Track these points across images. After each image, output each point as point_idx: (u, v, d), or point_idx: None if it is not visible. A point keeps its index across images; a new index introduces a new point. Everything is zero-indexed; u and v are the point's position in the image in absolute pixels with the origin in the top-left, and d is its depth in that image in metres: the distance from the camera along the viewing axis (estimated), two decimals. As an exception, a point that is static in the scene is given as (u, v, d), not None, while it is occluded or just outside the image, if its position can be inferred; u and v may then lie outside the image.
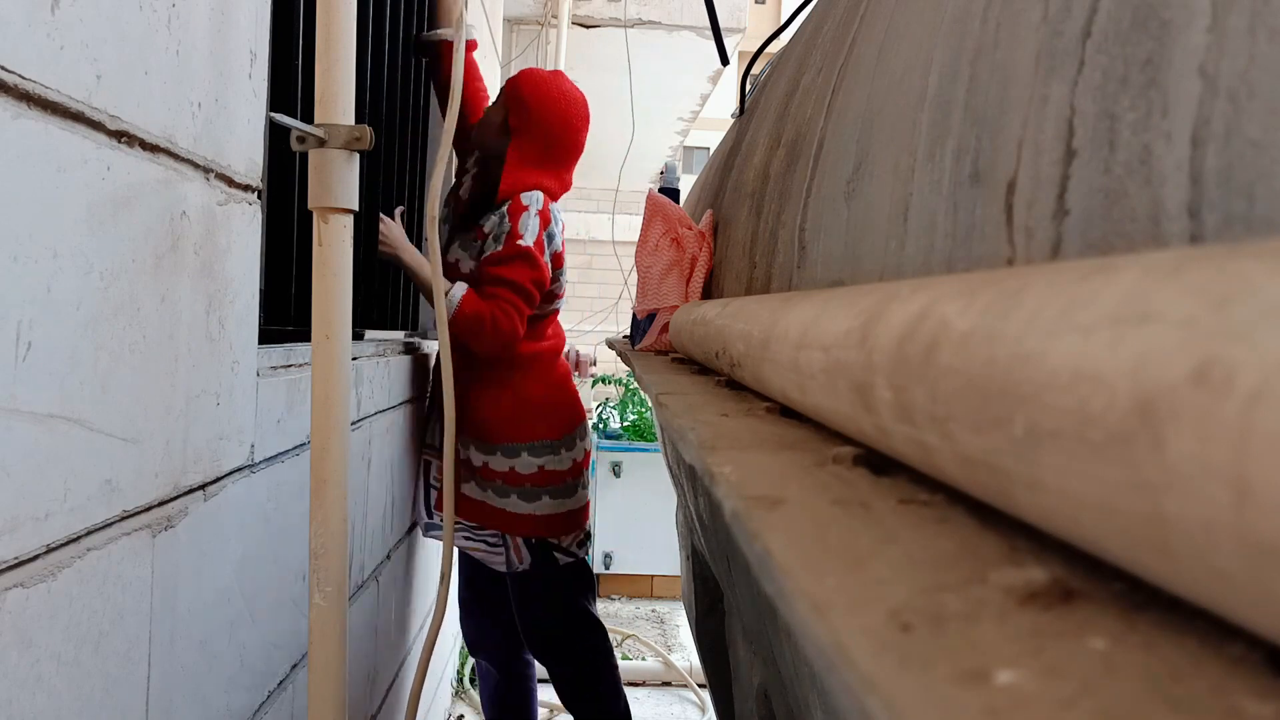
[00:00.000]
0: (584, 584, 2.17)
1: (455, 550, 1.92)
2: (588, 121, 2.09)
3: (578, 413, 2.19)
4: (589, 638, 2.16)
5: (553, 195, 2.04)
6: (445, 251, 2.08)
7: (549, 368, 2.14)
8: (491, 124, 2.04)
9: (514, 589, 2.11)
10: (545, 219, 1.97)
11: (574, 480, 2.10)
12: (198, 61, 0.86)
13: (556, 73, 2.10)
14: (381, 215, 1.87)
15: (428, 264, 1.78)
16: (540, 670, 2.35)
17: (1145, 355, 0.21)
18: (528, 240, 1.92)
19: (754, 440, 0.56)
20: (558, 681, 2.18)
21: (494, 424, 2.04)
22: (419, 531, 2.22)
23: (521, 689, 2.32)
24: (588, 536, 2.15)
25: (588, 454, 2.19)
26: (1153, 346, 0.21)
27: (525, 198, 1.96)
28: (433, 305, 1.80)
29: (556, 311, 2.18)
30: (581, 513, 2.13)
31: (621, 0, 4.18)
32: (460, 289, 1.89)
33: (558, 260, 2.05)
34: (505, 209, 1.96)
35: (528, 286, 1.92)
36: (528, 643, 2.17)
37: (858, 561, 0.30)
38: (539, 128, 2.00)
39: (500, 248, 1.94)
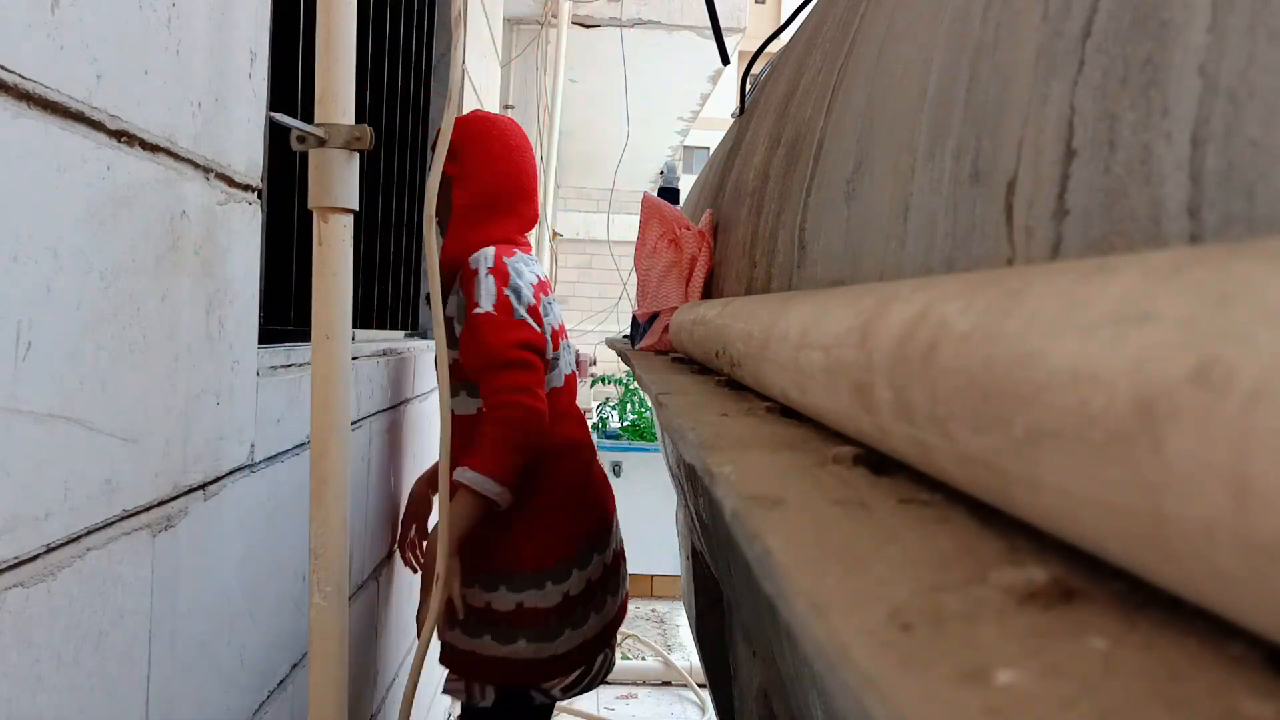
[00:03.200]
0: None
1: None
2: (528, 143, 1.82)
3: (580, 526, 1.73)
4: None
5: (510, 242, 1.74)
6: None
7: (551, 466, 1.70)
8: (441, 191, 1.68)
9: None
10: (502, 275, 1.63)
11: (560, 620, 1.67)
12: (198, 61, 0.86)
13: (477, 111, 1.82)
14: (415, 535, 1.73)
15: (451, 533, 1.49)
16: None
17: (1145, 355, 0.21)
18: (484, 306, 1.60)
19: (754, 440, 0.56)
20: None
21: (472, 545, 1.65)
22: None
23: None
24: (581, 681, 1.73)
25: (592, 583, 1.73)
26: (1153, 346, 0.21)
27: (473, 261, 1.65)
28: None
29: (563, 389, 1.78)
30: (570, 657, 1.69)
31: (621, 0, 4.18)
32: (462, 476, 1.52)
33: (534, 315, 1.67)
34: (457, 284, 1.68)
35: (510, 355, 1.57)
36: None
37: (858, 561, 0.30)
38: (477, 167, 1.72)
39: (462, 329, 1.64)
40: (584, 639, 1.70)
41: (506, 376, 1.57)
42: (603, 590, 1.76)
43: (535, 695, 1.70)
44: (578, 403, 1.91)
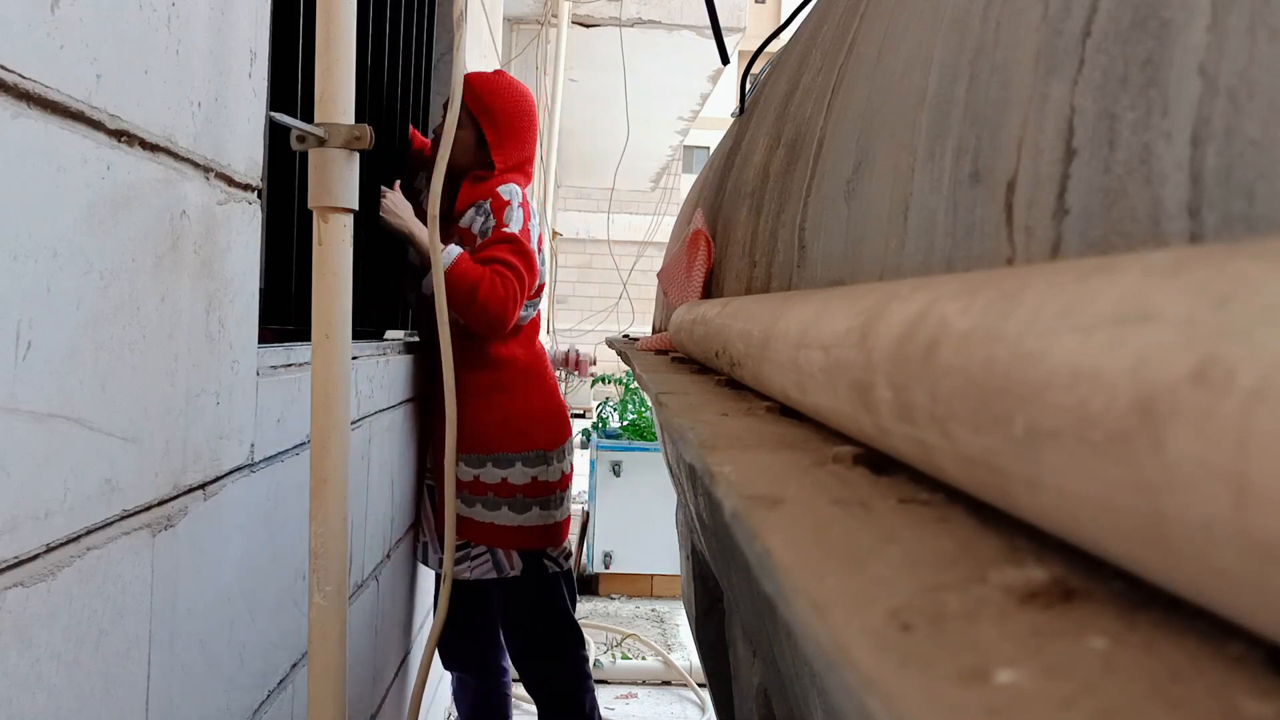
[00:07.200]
0: (570, 593, 2.19)
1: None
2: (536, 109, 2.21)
3: (566, 424, 2.21)
4: (574, 648, 2.17)
5: (523, 187, 2.12)
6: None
7: (541, 376, 2.16)
8: (464, 140, 2.03)
9: (502, 596, 2.11)
10: (526, 211, 2.02)
11: (562, 493, 2.12)
12: (197, 61, 0.86)
13: (499, 72, 2.15)
14: (382, 187, 1.87)
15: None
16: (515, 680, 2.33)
17: (1145, 355, 0.21)
18: (513, 228, 1.97)
19: (754, 440, 0.56)
20: (537, 690, 2.17)
21: (488, 434, 2.04)
22: (419, 530, 2.21)
23: (501, 694, 2.31)
24: (569, 553, 2.18)
25: (573, 468, 2.22)
26: (1153, 346, 0.21)
27: (504, 192, 2.00)
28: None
29: (538, 316, 2.20)
30: (565, 526, 2.14)
31: (621, 0, 4.17)
32: (455, 249, 1.90)
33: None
34: (488, 205, 2.00)
35: (520, 267, 1.95)
36: (513, 650, 2.15)
37: (858, 561, 0.30)
38: (515, 137, 2.07)
39: (488, 237, 1.99)
40: (570, 512, 2.18)
41: (511, 277, 1.94)
42: (570, 485, 2.23)
43: (548, 564, 2.10)
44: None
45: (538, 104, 2.21)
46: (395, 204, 1.89)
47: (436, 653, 1.84)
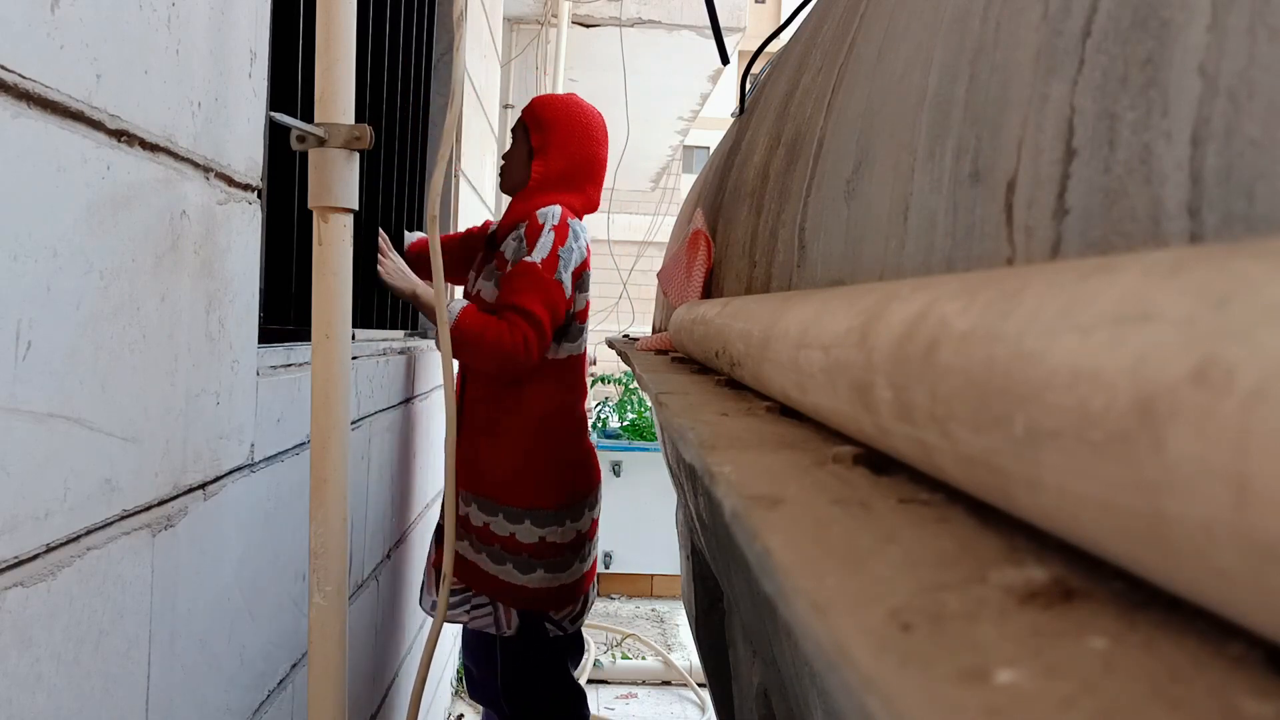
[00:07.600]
0: (572, 654, 2.11)
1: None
2: (607, 136, 2.09)
3: (591, 478, 2.08)
4: (572, 707, 2.09)
5: (574, 211, 2.00)
6: (472, 284, 2.05)
7: (567, 423, 2.02)
8: (517, 156, 2.03)
9: (500, 652, 2.02)
10: (561, 234, 1.89)
11: (573, 554, 1.99)
12: (197, 61, 0.86)
13: (570, 94, 2.09)
14: (381, 248, 1.83)
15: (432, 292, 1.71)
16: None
17: (1145, 355, 0.21)
18: (536, 256, 1.86)
19: (754, 439, 0.56)
20: None
21: (501, 484, 1.94)
22: (419, 530, 2.21)
23: None
24: (583, 610, 2.06)
25: (595, 523, 2.09)
26: (1153, 346, 0.21)
27: (541, 214, 1.90)
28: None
29: (581, 356, 2.05)
30: (576, 586, 2.02)
31: (621, 0, 4.17)
32: (460, 303, 1.83)
33: (576, 277, 1.95)
34: (522, 230, 1.91)
35: (530, 308, 1.83)
36: (509, 707, 2.05)
37: (858, 561, 0.30)
38: (560, 145, 1.98)
39: (511, 267, 1.89)
40: (583, 573, 2.03)
41: (521, 320, 1.83)
42: (594, 535, 2.12)
43: (550, 627, 1.98)
44: None
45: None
46: (395, 267, 1.85)
47: (440, 654, 1.84)
